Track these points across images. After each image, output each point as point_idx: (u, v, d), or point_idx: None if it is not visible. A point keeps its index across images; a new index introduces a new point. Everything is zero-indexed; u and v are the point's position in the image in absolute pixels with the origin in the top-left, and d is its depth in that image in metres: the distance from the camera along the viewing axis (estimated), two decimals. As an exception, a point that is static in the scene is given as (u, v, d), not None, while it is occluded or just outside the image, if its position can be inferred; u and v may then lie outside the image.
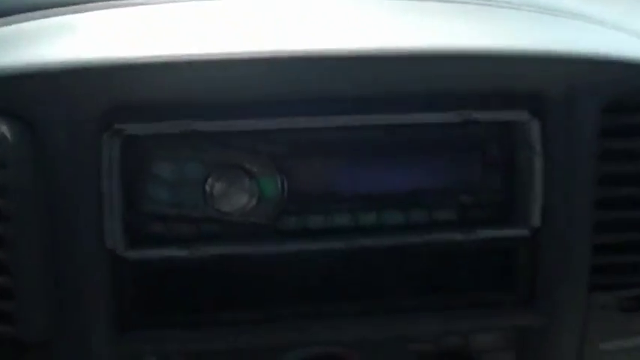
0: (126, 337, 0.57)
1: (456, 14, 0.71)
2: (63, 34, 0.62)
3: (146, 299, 0.58)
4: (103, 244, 0.55)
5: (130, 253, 0.56)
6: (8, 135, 0.53)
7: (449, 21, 0.69)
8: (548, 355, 0.63)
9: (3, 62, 0.55)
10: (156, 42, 0.59)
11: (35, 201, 0.54)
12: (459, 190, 0.60)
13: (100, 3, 0.68)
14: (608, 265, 0.62)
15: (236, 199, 0.57)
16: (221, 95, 0.55)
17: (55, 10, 0.67)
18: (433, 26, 0.67)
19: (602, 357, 0.64)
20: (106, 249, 0.55)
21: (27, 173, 0.53)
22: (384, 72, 0.57)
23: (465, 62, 0.58)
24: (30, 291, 0.54)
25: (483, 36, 0.63)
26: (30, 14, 0.66)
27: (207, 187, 0.57)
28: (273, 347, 0.60)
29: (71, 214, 0.55)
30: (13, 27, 0.63)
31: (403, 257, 0.60)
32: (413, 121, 0.58)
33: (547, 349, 0.63)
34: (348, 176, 0.59)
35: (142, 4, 0.70)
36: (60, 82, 0.54)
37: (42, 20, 0.65)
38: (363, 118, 0.57)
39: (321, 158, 0.58)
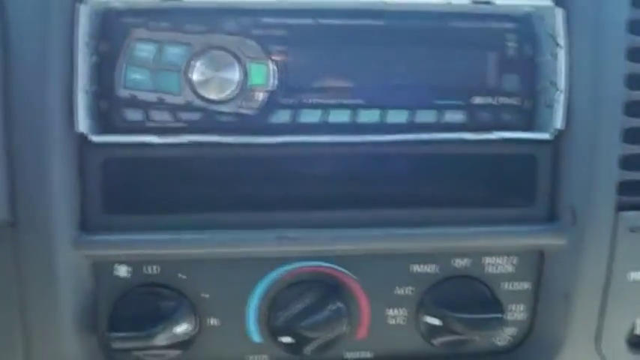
0: (91, 239, 0.51)
1: None
2: None
3: (115, 195, 0.51)
4: (72, 127, 0.49)
5: (100, 137, 0.50)
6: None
7: None
8: (570, 285, 0.55)
9: None
10: None
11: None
12: (472, 90, 0.54)
13: None
14: (637, 182, 0.55)
15: (221, 86, 0.51)
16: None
17: None
18: None
19: (631, 289, 0.56)
20: (76, 133, 0.49)
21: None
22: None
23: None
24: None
25: None
26: None
27: (190, 71, 0.51)
28: (255, 258, 0.54)
29: (39, 94, 0.49)
30: None
31: (409, 162, 0.54)
32: (420, 7, 0.52)
33: (568, 278, 0.55)
34: (348, 67, 0.52)
35: None
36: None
37: None
38: (367, 1, 0.51)
39: (319, 45, 0.52)
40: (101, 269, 0.53)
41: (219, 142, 0.50)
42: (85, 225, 0.51)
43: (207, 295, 0.54)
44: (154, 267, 0.53)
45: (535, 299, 0.57)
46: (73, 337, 0.53)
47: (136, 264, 0.53)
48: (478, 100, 0.54)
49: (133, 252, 0.52)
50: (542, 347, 0.58)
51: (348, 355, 0.57)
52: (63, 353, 0.53)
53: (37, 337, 0.53)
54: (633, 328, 0.59)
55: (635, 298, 0.57)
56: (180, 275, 0.54)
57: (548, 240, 0.55)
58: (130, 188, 0.52)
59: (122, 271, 0.54)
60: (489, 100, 0.54)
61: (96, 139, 0.50)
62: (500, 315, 0.54)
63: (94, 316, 0.54)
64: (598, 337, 0.57)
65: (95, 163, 0.50)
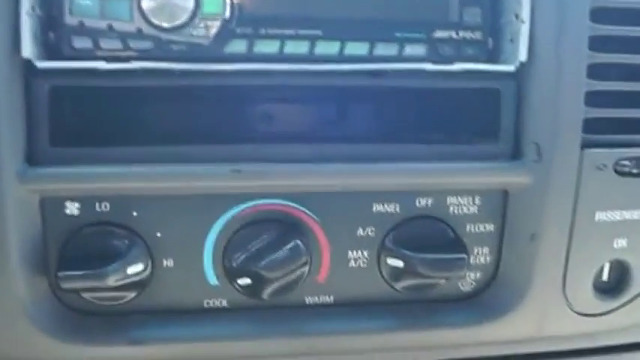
0: (38, 173, 0.49)
1: None
2: None
3: (63, 126, 0.49)
4: (17, 53, 0.47)
5: (45, 63, 0.48)
6: None
7: None
8: (534, 224, 0.54)
9: None
10: None
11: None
12: (434, 24, 0.52)
13: None
14: (603, 119, 0.54)
15: (173, 13, 0.49)
16: None
17: None
18: None
19: (597, 230, 0.55)
20: (21, 59, 0.47)
21: None
22: None
23: None
24: None
25: None
26: None
27: (141, -3, 0.49)
28: (211, 196, 0.52)
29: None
30: None
31: (370, 95, 0.52)
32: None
33: (534, 218, 0.54)
34: (307, -5, 0.51)
35: None
36: None
37: None
38: None
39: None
40: (50, 206, 0.51)
41: (171, 69, 0.48)
42: (32, 158, 0.49)
43: (162, 235, 0.52)
44: (105, 204, 0.51)
45: (500, 242, 0.56)
46: (21, 277, 0.51)
47: (86, 201, 0.51)
48: (440, 33, 0.52)
49: (82, 186, 0.50)
50: (506, 292, 0.56)
51: (309, 299, 0.56)
52: (11, 294, 0.51)
53: None
54: (600, 274, 0.58)
55: (602, 240, 0.56)
56: (133, 213, 0.52)
57: (512, 178, 0.54)
58: (78, 119, 0.49)
59: (72, 208, 0.51)
60: (452, 34, 0.52)
61: (41, 65, 0.48)
62: (464, 255, 0.53)
63: (43, 257, 0.52)
64: (564, 282, 0.56)
65: (41, 92, 0.48)
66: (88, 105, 0.49)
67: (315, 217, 0.53)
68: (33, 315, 0.52)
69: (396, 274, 0.54)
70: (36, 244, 0.51)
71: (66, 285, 0.50)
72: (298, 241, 0.52)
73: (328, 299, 0.56)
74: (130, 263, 0.51)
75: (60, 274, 0.50)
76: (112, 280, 0.50)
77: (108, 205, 0.51)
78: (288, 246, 0.52)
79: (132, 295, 0.52)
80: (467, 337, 0.57)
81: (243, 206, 0.53)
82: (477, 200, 0.54)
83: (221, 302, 0.54)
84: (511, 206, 0.55)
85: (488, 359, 0.59)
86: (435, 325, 0.56)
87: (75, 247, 0.51)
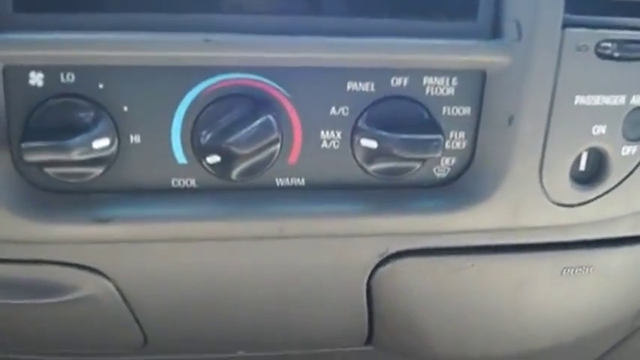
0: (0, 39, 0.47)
1: None
2: None
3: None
4: None
5: None
6: None
7: None
8: (512, 107, 0.53)
9: None
10: None
11: None
12: None
13: None
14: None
15: None
16: None
17: None
18: None
19: (576, 114, 0.54)
20: None
21: None
22: None
23: None
24: None
25: None
26: None
27: None
28: (180, 68, 0.50)
29: None
30: None
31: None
32: None
33: (512, 99, 0.53)
34: None
35: None
36: None
37: None
38: None
39: None
40: (13, 77, 0.49)
41: None
42: None
43: (128, 109, 0.51)
44: (70, 75, 0.49)
45: (476, 126, 0.55)
46: None
47: (50, 70, 0.49)
48: None
49: (46, 53, 0.48)
50: (482, 178, 0.55)
51: (279, 181, 0.54)
52: None
53: None
54: (578, 164, 0.57)
55: (580, 125, 0.55)
56: (99, 85, 0.50)
57: (491, 57, 0.52)
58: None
59: (36, 79, 0.50)
60: None
61: None
62: (439, 136, 0.52)
63: (7, 130, 0.50)
64: (541, 169, 0.55)
65: None
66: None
67: (286, 94, 0.52)
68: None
69: (370, 155, 0.53)
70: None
71: (29, 157, 0.48)
72: (270, 117, 0.51)
73: (299, 181, 0.54)
74: (96, 137, 0.49)
75: (23, 145, 0.48)
76: (76, 154, 0.49)
77: (73, 76, 0.50)
78: (259, 121, 0.50)
79: (97, 171, 0.51)
80: (440, 225, 0.56)
81: (212, 80, 0.51)
82: (454, 81, 0.53)
83: (189, 182, 0.53)
84: (489, 88, 0.53)
85: (461, 249, 0.59)
86: (408, 211, 0.55)
87: (39, 120, 0.50)
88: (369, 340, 0.67)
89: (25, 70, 0.49)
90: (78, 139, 0.49)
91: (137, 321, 0.59)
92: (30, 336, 0.61)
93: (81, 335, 0.61)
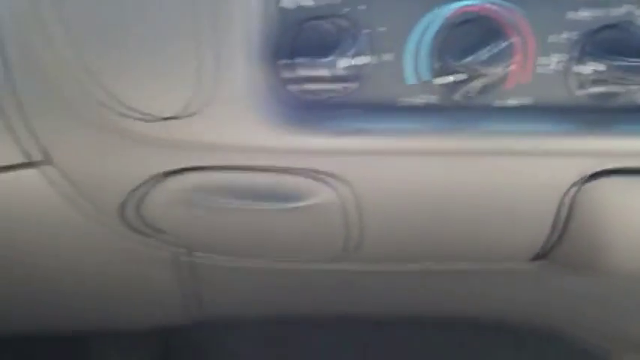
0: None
1: None
2: None
3: None
4: None
5: None
6: None
7: None
8: None
9: None
10: None
11: None
12: None
13: None
14: None
15: None
16: None
17: None
18: None
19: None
20: None
21: None
22: None
23: None
24: None
25: None
26: None
27: None
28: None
29: None
30: None
31: None
32: None
33: None
34: None
35: None
36: None
37: None
38: None
39: None
40: None
41: None
42: None
43: (385, 29, 0.55)
44: None
45: None
46: (246, 68, 0.54)
47: None
48: None
49: None
50: None
51: (498, 102, 0.59)
52: (237, 85, 0.54)
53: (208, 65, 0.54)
54: None
55: None
56: (359, 7, 0.54)
57: None
58: None
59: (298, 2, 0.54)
60: None
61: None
62: None
63: (272, 47, 0.54)
64: None
65: None
66: None
67: (523, 19, 0.56)
68: (259, 105, 0.55)
69: (590, 79, 0.57)
70: (262, 34, 0.54)
71: (291, 74, 0.53)
72: (505, 41, 0.55)
73: (516, 102, 0.59)
74: (354, 55, 0.54)
75: (286, 61, 0.53)
76: (334, 70, 0.53)
77: (336, 2, 0.54)
78: (495, 45, 0.55)
79: (350, 88, 0.55)
80: None
81: (456, 5, 0.55)
82: None
83: (422, 99, 0.58)
84: None
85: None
86: (616, 132, 0.59)
87: (300, 38, 0.54)
88: (539, 256, 0.73)
89: None
90: (336, 57, 0.53)
91: (360, 227, 0.64)
92: (254, 241, 0.67)
93: (299, 240, 0.67)
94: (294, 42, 0.54)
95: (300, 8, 0.54)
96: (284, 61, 0.53)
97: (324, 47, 0.54)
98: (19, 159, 0.60)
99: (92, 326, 0.88)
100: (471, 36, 0.55)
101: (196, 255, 0.72)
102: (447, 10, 0.56)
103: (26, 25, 0.55)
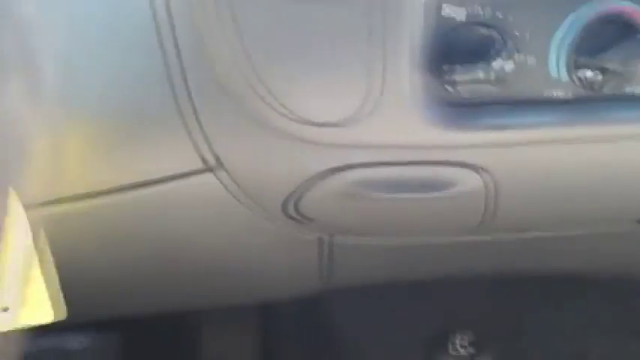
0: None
1: None
2: None
3: None
4: None
5: None
6: None
7: None
8: None
9: None
10: None
11: None
12: None
13: None
14: None
15: None
16: None
17: None
18: None
19: None
20: None
21: None
22: None
23: None
24: None
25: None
26: None
27: None
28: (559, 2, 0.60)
29: None
30: None
31: None
32: None
33: None
34: None
35: None
36: None
37: None
38: None
39: None
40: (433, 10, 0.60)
41: None
42: None
43: (519, 34, 0.61)
44: (487, 8, 0.60)
45: None
46: (409, 70, 0.60)
47: (472, 5, 0.60)
48: None
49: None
50: None
51: (628, 90, 0.65)
52: (400, 88, 0.60)
53: (377, 74, 0.60)
54: None
55: None
56: (507, 14, 0.60)
57: None
58: None
59: (459, 13, 0.60)
60: None
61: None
62: None
63: (429, 54, 0.61)
64: None
65: None
66: None
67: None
68: (421, 107, 0.62)
69: None
70: (425, 41, 0.60)
71: (448, 77, 0.60)
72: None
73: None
74: (504, 57, 0.60)
75: (446, 67, 0.59)
76: (487, 74, 0.60)
77: (488, 10, 0.60)
78: (629, 42, 0.61)
79: (497, 88, 0.62)
80: None
81: (595, 8, 0.61)
82: None
83: (561, 93, 0.64)
84: None
85: None
86: None
87: (456, 43, 0.61)
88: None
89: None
90: (489, 60, 0.60)
91: (494, 207, 0.71)
92: (399, 225, 0.74)
93: (440, 221, 0.74)
94: (451, 47, 0.61)
95: (457, 16, 0.60)
96: (445, 66, 0.60)
97: (478, 51, 0.60)
98: (198, 165, 0.67)
99: (230, 300, 0.96)
100: (608, 34, 0.61)
101: (337, 236, 0.80)
102: (591, 11, 0.61)
103: (203, 34, 0.61)
